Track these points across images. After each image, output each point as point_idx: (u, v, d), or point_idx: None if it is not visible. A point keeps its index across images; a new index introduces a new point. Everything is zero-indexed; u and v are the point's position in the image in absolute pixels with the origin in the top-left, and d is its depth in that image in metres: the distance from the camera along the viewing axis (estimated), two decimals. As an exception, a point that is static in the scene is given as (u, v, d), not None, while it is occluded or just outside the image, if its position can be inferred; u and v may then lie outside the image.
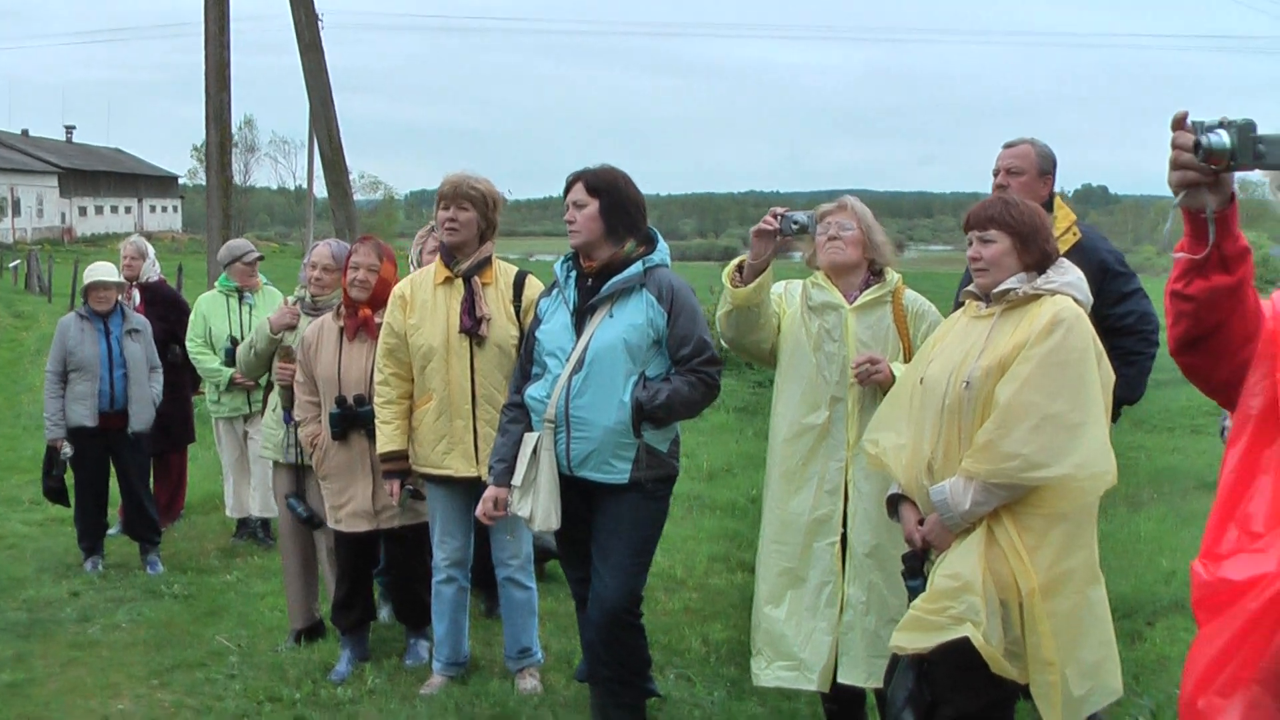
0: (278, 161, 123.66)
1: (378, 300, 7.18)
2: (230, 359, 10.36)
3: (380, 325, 7.07)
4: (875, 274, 5.89)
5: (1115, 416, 5.56)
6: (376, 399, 6.91)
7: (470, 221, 6.83)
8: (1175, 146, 3.12)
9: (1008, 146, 6.55)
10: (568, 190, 6.07)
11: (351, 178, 20.28)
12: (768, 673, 5.93)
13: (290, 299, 8.37)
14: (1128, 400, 6.21)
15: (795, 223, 5.63)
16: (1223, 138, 3.06)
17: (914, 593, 4.88)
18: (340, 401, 7.19)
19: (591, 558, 6.11)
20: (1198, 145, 3.08)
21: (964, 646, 4.54)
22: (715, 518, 11.23)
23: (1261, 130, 3.07)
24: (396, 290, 6.97)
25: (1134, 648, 7.36)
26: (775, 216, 5.68)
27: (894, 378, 5.51)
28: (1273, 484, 3.11)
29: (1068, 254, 5.37)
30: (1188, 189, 3.15)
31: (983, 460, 4.57)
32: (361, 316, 7.24)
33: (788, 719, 6.61)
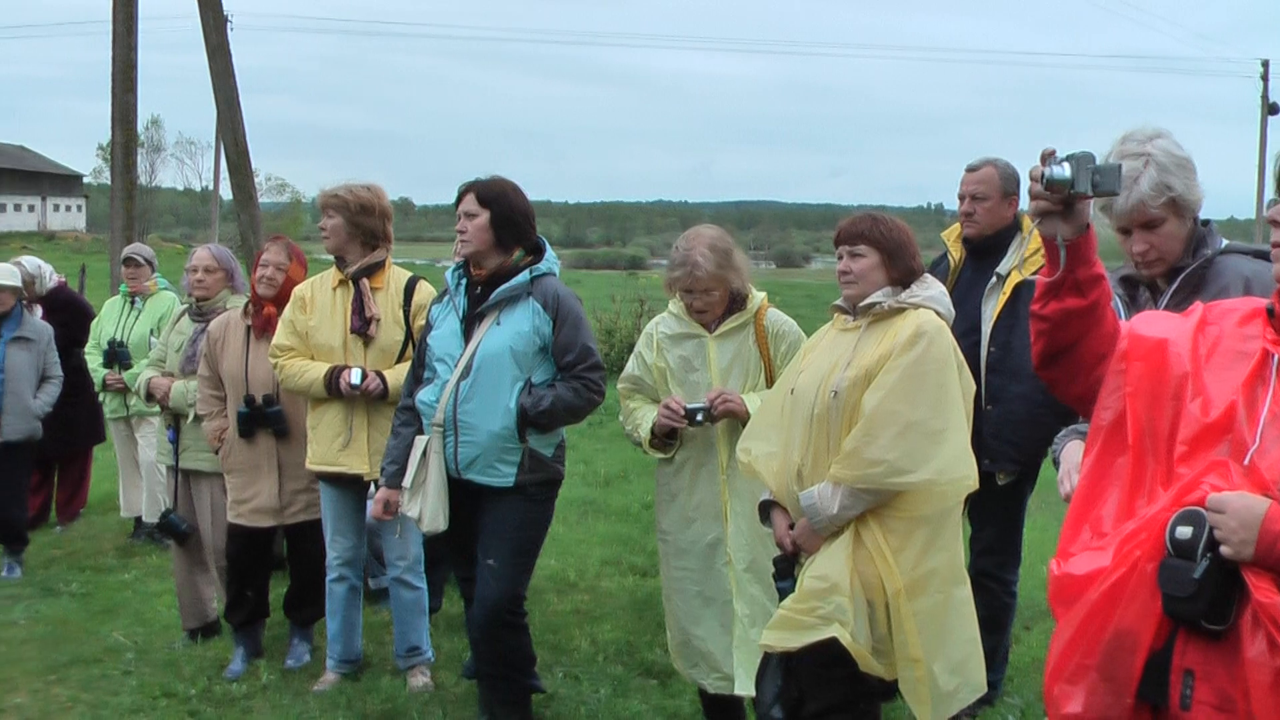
0: (184, 162, 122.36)
1: (284, 299, 7.29)
2: (108, 361, 10.44)
3: None
4: (735, 299, 5.98)
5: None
6: (283, 359, 7.02)
7: (337, 228, 7.01)
8: (1030, 179, 3.37)
9: (970, 170, 6.69)
10: (459, 200, 6.26)
11: (257, 180, 20.24)
12: (708, 682, 6.04)
13: (179, 307, 8.54)
14: None
15: (698, 417, 5.77)
16: (1064, 169, 3.30)
17: (784, 593, 5.00)
18: (249, 400, 7.32)
19: (476, 558, 6.29)
20: (1044, 176, 3.32)
21: (828, 644, 4.69)
22: (608, 522, 11.37)
23: (1099, 162, 3.31)
24: (298, 291, 7.13)
25: (1011, 650, 7.54)
26: (675, 412, 5.80)
27: (747, 408, 5.70)
28: (1119, 491, 3.31)
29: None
30: (1042, 217, 3.40)
31: (849, 466, 4.73)
32: (267, 314, 7.35)
33: (670, 716, 6.77)
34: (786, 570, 5.08)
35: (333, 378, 6.83)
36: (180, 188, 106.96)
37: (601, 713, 6.75)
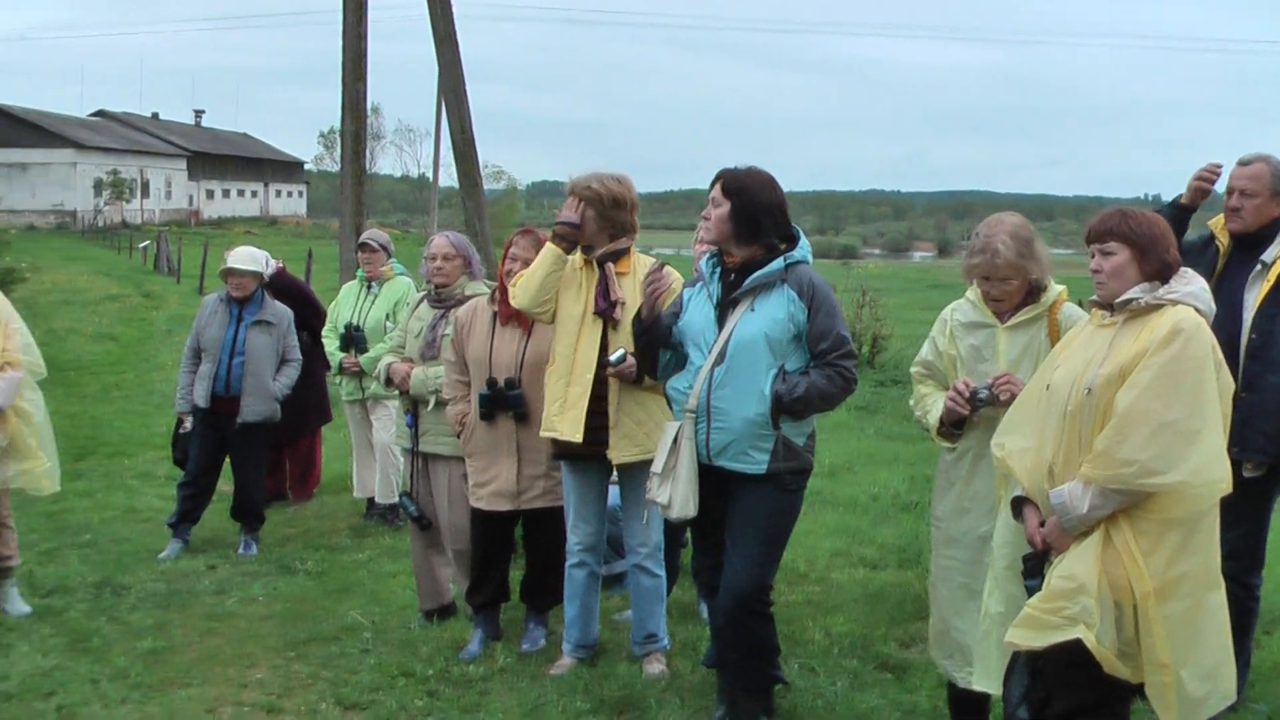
0: (402, 149, 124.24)
1: None
2: (345, 344, 10.65)
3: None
4: (1032, 291, 5.79)
5: None
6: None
7: (588, 220, 6.95)
8: None
9: (1241, 164, 6.54)
10: (712, 186, 6.21)
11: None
12: (960, 675, 5.95)
13: (418, 293, 8.62)
14: None
15: (980, 395, 5.66)
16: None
17: (1031, 592, 4.95)
18: (491, 383, 7.36)
19: (723, 545, 6.22)
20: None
21: (1075, 645, 4.63)
22: (836, 513, 11.27)
23: None
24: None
25: (1252, 654, 7.32)
26: (961, 394, 5.71)
27: None
28: None
29: None
30: None
31: (1100, 466, 4.64)
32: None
33: (907, 712, 6.66)
34: (1036, 568, 5.02)
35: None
36: (398, 174, 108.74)
37: (839, 705, 6.65)
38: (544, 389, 7.08)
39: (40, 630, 8.03)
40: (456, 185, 19.09)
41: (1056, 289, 5.83)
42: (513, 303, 7.01)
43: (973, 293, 5.91)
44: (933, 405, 5.91)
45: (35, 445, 8.24)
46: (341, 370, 10.84)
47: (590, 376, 6.85)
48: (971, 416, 5.72)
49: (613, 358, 6.72)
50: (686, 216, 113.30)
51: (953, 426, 5.82)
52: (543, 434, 7.02)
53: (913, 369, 6.19)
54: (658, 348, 6.37)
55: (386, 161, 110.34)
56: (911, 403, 6.18)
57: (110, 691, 7.00)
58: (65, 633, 8.02)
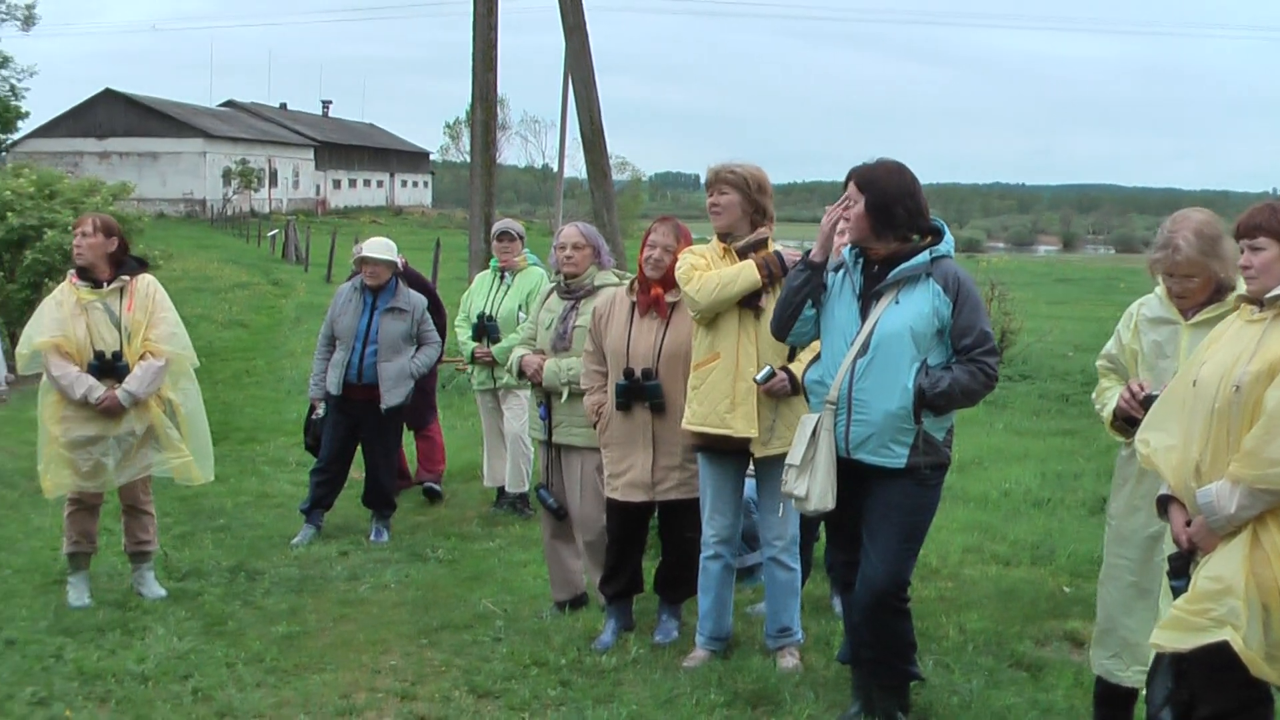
0: (527, 140, 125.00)
1: (670, 280, 7.28)
2: (477, 334, 10.70)
3: (671, 305, 7.29)
4: (1219, 289, 5.63)
5: None
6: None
7: (732, 204, 6.95)
8: None
9: None
10: (845, 184, 6.16)
11: (607, 158, 20.37)
12: (1126, 674, 5.87)
13: (547, 284, 8.61)
14: None
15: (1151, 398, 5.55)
16: None
17: (1177, 592, 4.85)
18: (628, 374, 7.34)
19: (859, 541, 6.17)
20: None
21: (1221, 647, 4.53)
22: (967, 509, 11.15)
23: None
24: (694, 259, 7.03)
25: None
26: (1134, 396, 5.62)
27: None
28: None
29: None
30: None
31: (1248, 466, 4.53)
32: (654, 295, 7.38)
33: (1044, 711, 6.57)
34: (1181, 569, 4.92)
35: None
36: (521, 165, 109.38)
37: (974, 703, 6.58)
38: (683, 381, 7.08)
39: (176, 613, 8.16)
40: (579, 176, 19.13)
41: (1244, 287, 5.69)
42: (692, 304, 6.88)
43: (1160, 288, 5.80)
44: (1110, 399, 5.82)
45: (176, 437, 8.36)
46: (474, 360, 10.89)
47: (753, 369, 6.82)
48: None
49: (759, 376, 6.70)
50: (809, 209, 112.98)
51: (1126, 423, 5.70)
52: (715, 431, 6.91)
53: (1097, 362, 6.09)
54: (810, 299, 6.21)
55: (511, 152, 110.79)
56: (1093, 395, 6.09)
57: (245, 675, 7.10)
58: (200, 616, 8.15)
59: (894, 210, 6.02)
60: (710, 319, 6.89)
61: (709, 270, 6.87)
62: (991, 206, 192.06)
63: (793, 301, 6.23)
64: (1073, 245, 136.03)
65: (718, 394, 6.86)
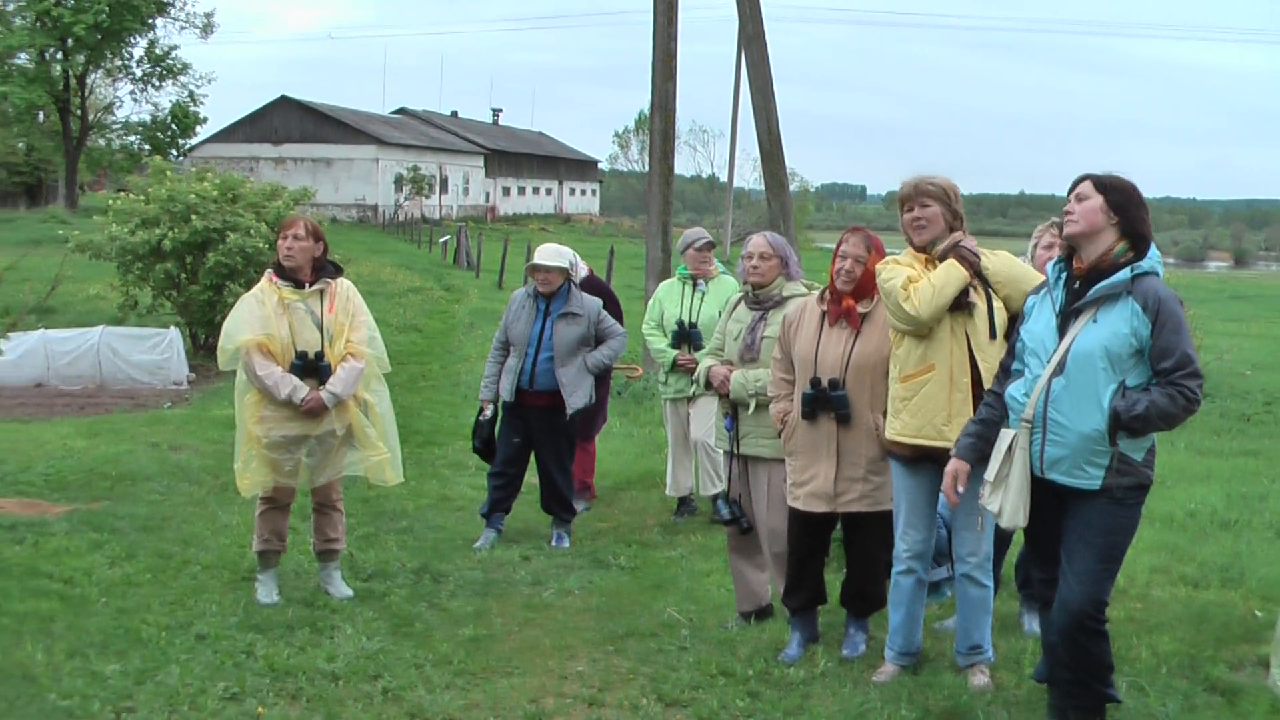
0: (696, 150, 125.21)
1: (861, 291, 7.27)
2: (676, 342, 10.72)
3: (862, 315, 7.25)
4: None
5: None
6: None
7: (936, 216, 6.93)
8: None
9: None
10: (1072, 189, 6.05)
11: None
12: None
13: (736, 294, 8.59)
14: None
15: None
16: None
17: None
18: (815, 383, 7.31)
19: (1058, 559, 6.09)
20: None
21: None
22: (1154, 530, 10.93)
23: None
24: (904, 269, 7.00)
25: None
26: None
27: None
28: None
29: None
30: None
31: None
32: (845, 306, 7.35)
33: (1244, 737, 6.43)
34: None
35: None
36: (689, 174, 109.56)
37: (1171, 727, 6.45)
38: (870, 393, 7.11)
39: (363, 614, 8.29)
40: (744, 186, 19.18)
41: None
42: (914, 312, 6.78)
43: None
44: None
45: (374, 436, 8.53)
46: (675, 367, 10.91)
47: (967, 379, 6.80)
48: None
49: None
50: (976, 221, 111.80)
51: None
52: (930, 444, 6.84)
53: None
54: None
55: (680, 161, 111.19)
56: None
57: (434, 676, 7.19)
58: (388, 617, 8.27)
59: (1129, 210, 5.95)
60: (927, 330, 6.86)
61: (920, 280, 6.83)
62: (1161, 221, 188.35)
63: None
64: (1244, 261, 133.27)
65: (934, 406, 6.81)
